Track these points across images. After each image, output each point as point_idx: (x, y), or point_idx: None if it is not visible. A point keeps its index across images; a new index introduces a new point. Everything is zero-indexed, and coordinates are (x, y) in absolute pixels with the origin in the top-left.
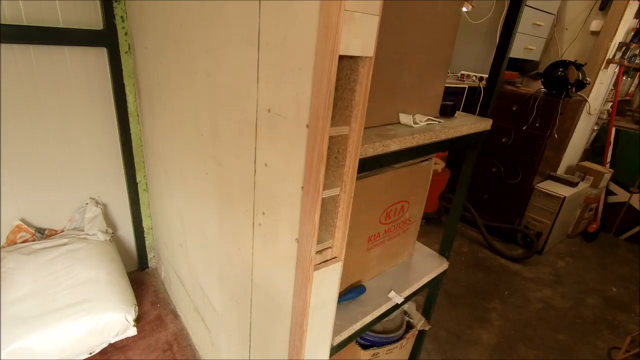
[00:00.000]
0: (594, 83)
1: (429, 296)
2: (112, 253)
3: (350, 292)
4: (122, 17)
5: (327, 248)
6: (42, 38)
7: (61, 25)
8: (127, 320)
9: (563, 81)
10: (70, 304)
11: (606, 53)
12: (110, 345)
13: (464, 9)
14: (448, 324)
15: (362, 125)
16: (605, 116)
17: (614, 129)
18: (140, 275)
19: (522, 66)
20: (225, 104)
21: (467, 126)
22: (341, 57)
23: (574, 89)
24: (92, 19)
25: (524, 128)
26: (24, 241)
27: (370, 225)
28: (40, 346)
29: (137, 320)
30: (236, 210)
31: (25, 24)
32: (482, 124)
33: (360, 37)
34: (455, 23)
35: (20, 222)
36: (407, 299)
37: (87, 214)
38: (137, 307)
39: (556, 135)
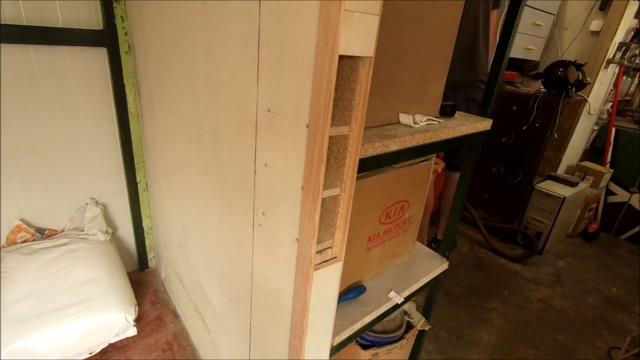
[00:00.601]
0: (594, 83)
1: (429, 296)
2: (112, 253)
3: (350, 292)
4: (122, 17)
5: (327, 248)
6: (42, 38)
7: (61, 25)
8: (127, 320)
9: (563, 81)
10: (70, 304)
11: (606, 53)
12: (110, 345)
13: None
14: (448, 324)
15: (362, 125)
16: (605, 116)
17: (614, 129)
18: (140, 275)
19: (522, 66)
20: (225, 104)
21: (467, 126)
22: (341, 57)
23: (574, 89)
24: (92, 19)
25: (524, 128)
26: (24, 241)
27: (370, 225)
28: (40, 346)
29: (137, 320)
30: (236, 210)
31: (25, 24)
32: (482, 124)
33: (360, 37)
34: (455, 23)
35: (20, 222)
36: (407, 299)
37: (87, 214)
38: (137, 307)
39: (556, 135)
